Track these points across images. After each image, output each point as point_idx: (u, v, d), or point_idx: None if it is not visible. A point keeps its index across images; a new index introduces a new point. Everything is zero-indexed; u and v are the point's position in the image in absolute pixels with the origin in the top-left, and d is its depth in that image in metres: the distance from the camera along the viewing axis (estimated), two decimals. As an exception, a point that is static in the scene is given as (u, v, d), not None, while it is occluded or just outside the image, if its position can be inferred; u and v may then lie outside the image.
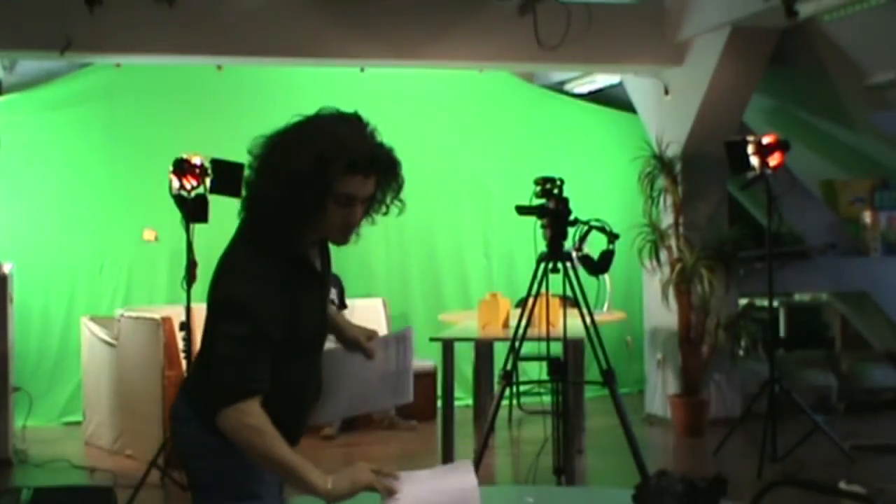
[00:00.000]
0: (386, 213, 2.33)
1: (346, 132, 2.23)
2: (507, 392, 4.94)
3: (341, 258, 7.76)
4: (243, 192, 2.31)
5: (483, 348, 6.37)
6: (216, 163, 5.39)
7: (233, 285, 2.23)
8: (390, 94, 8.04)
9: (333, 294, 7.51)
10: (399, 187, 2.29)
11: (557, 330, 4.69)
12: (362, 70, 7.32)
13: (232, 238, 2.32)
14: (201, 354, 2.41)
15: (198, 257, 5.40)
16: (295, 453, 2.17)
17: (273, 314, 2.20)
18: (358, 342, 2.53)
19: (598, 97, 8.71)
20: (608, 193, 8.12)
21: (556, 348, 4.62)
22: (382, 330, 7.62)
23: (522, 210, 4.43)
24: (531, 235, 4.50)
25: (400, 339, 2.50)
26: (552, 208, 4.40)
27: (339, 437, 6.81)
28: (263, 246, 2.22)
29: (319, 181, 2.15)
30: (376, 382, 2.50)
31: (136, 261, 7.59)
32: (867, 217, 7.82)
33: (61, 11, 5.77)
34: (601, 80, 8.34)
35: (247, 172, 2.30)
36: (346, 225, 2.25)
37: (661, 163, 7.03)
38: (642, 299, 7.67)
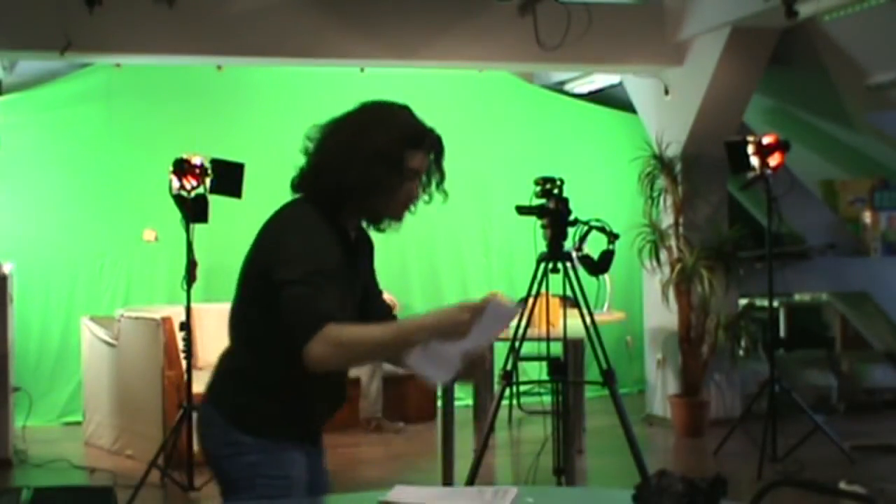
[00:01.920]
0: (429, 201, 2.45)
1: (407, 114, 2.42)
2: (507, 392, 4.94)
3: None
4: (305, 164, 2.43)
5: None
6: (216, 163, 5.39)
7: (284, 235, 2.32)
8: (390, 95, 7.95)
9: None
10: (443, 172, 2.44)
11: (557, 330, 4.69)
12: (362, 70, 7.32)
13: (278, 210, 2.42)
14: (230, 352, 2.44)
15: (198, 257, 5.41)
16: (384, 325, 2.25)
17: (329, 250, 2.29)
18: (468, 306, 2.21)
19: (598, 97, 8.71)
20: (608, 193, 8.12)
21: (556, 348, 4.62)
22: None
23: (522, 210, 4.43)
24: (531, 235, 4.50)
25: (505, 316, 2.26)
26: (552, 208, 4.40)
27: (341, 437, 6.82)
28: (321, 210, 2.35)
29: (395, 157, 2.32)
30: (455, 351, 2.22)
31: (136, 261, 7.59)
32: (867, 217, 7.82)
33: (61, 11, 5.76)
34: (601, 80, 8.34)
35: (307, 154, 2.45)
36: (409, 200, 2.40)
37: (661, 163, 7.03)
38: (642, 299, 7.67)
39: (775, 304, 6.19)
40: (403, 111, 2.42)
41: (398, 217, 2.43)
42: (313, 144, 2.43)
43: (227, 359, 2.44)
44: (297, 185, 2.44)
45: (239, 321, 2.40)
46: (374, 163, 2.31)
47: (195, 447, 5.37)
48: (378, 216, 2.43)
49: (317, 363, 2.15)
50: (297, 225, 2.33)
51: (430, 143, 2.39)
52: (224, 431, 2.34)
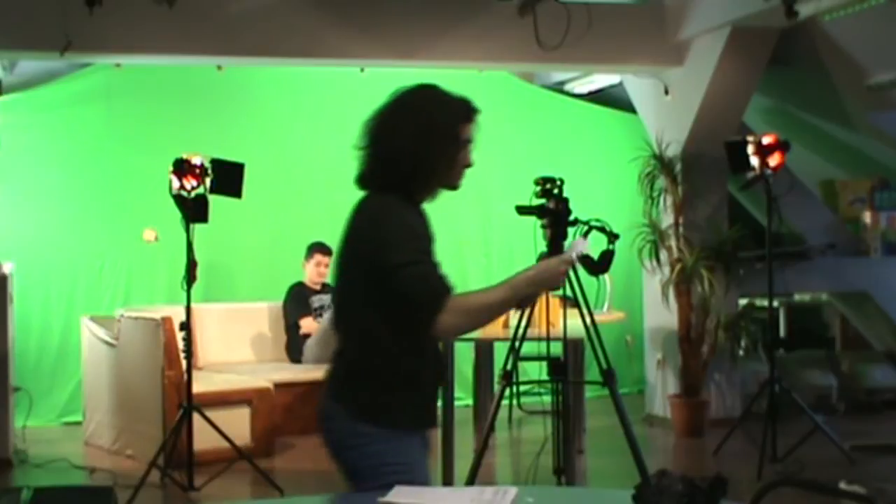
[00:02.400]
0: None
1: (444, 91, 2.56)
2: (507, 392, 4.94)
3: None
4: (369, 159, 2.52)
5: (483, 348, 6.37)
6: (216, 163, 5.39)
7: (382, 224, 2.44)
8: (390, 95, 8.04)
9: (329, 301, 7.53)
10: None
11: (557, 330, 4.69)
12: (362, 70, 7.32)
13: (359, 203, 2.53)
14: (345, 348, 2.52)
15: (198, 257, 5.41)
16: (495, 287, 2.46)
17: (423, 230, 2.48)
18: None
19: (598, 97, 8.71)
20: (608, 193, 8.12)
21: (556, 348, 4.62)
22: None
23: (522, 210, 4.42)
24: (531, 235, 4.50)
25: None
26: (552, 208, 4.39)
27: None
28: (400, 196, 2.49)
29: (456, 133, 2.50)
30: None
31: (136, 261, 7.60)
32: (867, 217, 7.82)
33: (61, 11, 5.76)
34: (601, 80, 8.34)
35: (369, 151, 2.52)
36: (466, 167, 2.57)
37: (661, 163, 7.02)
38: (642, 299, 7.67)
39: (775, 304, 6.19)
40: (440, 89, 2.57)
41: (458, 186, 2.61)
42: (373, 140, 2.52)
43: (342, 355, 2.53)
44: (366, 180, 2.53)
45: (352, 318, 2.50)
46: (444, 143, 2.49)
47: (195, 447, 5.38)
48: (442, 189, 2.59)
49: (449, 333, 2.42)
50: (389, 212, 2.45)
51: (475, 112, 2.56)
52: (348, 424, 2.44)
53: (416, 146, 2.46)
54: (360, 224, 2.49)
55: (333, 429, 2.49)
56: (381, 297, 2.39)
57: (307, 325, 7.38)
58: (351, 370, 2.49)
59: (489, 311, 2.47)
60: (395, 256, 2.37)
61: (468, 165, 2.57)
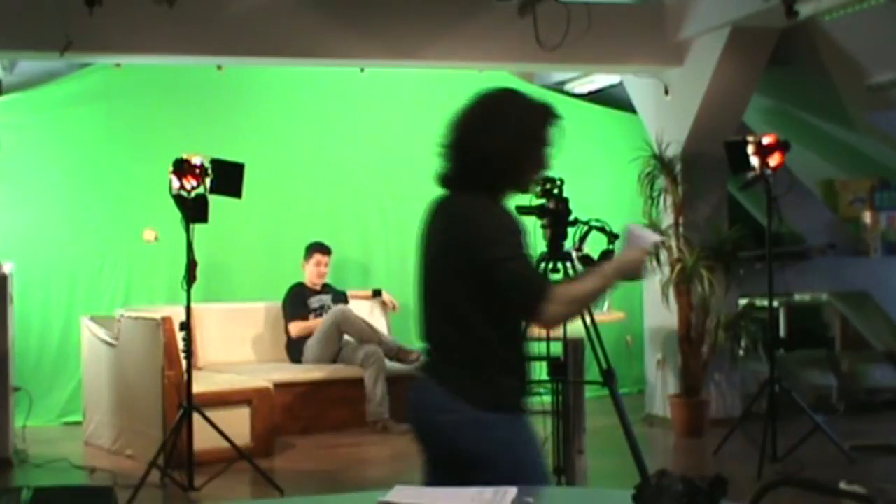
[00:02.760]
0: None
1: (526, 95, 2.70)
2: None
3: (342, 256, 7.80)
4: (456, 160, 2.62)
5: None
6: (216, 163, 5.39)
7: (480, 221, 2.55)
8: (390, 95, 8.04)
9: (329, 301, 7.53)
10: None
11: (557, 330, 4.69)
12: (362, 70, 7.32)
13: (445, 202, 2.65)
14: (452, 343, 2.59)
15: (198, 257, 5.41)
16: (588, 277, 2.62)
17: (518, 227, 2.58)
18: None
19: (598, 97, 8.71)
20: (608, 193, 8.12)
21: (556, 348, 4.62)
22: (383, 329, 7.63)
23: (522, 210, 4.40)
24: (531, 235, 4.50)
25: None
26: (552, 208, 4.40)
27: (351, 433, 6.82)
28: (494, 196, 2.61)
29: (541, 133, 2.66)
30: None
31: (136, 261, 7.60)
32: (867, 217, 7.82)
33: (61, 11, 5.76)
34: (601, 80, 8.34)
35: (458, 152, 2.62)
36: (545, 169, 2.74)
37: (661, 163, 7.03)
38: (642, 299, 7.67)
39: (775, 304, 6.19)
40: (522, 92, 2.71)
41: (532, 187, 2.86)
42: (462, 141, 2.60)
43: (450, 349, 2.60)
44: (451, 179, 2.63)
45: (456, 312, 2.56)
46: (532, 144, 2.64)
47: (195, 447, 5.38)
48: (525, 189, 2.75)
49: (554, 321, 2.59)
50: (484, 211, 2.56)
51: (557, 116, 2.73)
52: (466, 415, 2.51)
53: (509, 147, 2.57)
54: (455, 225, 2.58)
55: (447, 421, 2.54)
56: (483, 292, 2.49)
57: (296, 328, 7.39)
58: (463, 361, 2.57)
59: (588, 299, 2.64)
60: (495, 252, 2.48)
61: (547, 167, 2.72)
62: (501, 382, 2.56)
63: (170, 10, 5.92)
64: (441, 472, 2.57)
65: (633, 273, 2.68)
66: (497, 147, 2.56)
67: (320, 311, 7.45)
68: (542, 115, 2.66)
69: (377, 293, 7.84)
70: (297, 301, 7.45)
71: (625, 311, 7.05)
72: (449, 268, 2.56)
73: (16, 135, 7.34)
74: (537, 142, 2.65)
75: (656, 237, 2.86)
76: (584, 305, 2.70)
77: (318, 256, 7.48)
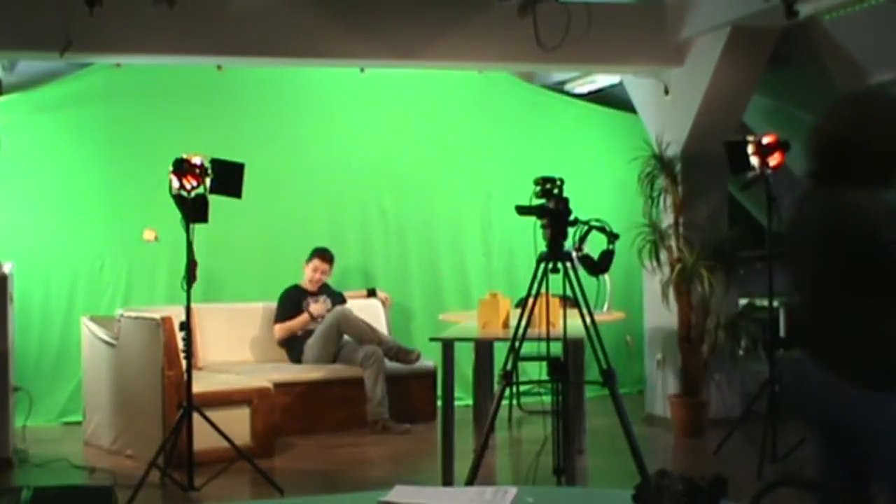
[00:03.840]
0: None
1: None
2: (507, 392, 4.94)
3: (343, 256, 7.80)
4: (838, 156, 2.76)
5: (483, 348, 6.37)
6: (216, 163, 5.39)
7: (873, 207, 2.66)
8: (390, 95, 8.05)
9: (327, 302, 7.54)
10: None
11: (557, 330, 4.69)
12: (362, 70, 7.32)
13: (824, 196, 2.77)
14: (842, 337, 2.72)
15: (198, 257, 5.41)
16: None
17: None
18: None
19: (598, 97, 8.71)
20: (608, 193, 8.12)
21: (556, 348, 4.62)
22: (383, 328, 7.64)
23: (522, 210, 4.43)
24: (531, 235, 4.51)
25: None
26: (552, 208, 4.40)
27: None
28: (871, 187, 2.72)
29: None
30: None
31: (136, 261, 7.60)
32: (867, 217, 7.81)
33: (61, 11, 5.75)
34: (601, 80, 8.34)
35: (829, 142, 2.80)
36: None
37: (661, 163, 7.03)
38: (642, 299, 7.68)
39: (775, 304, 6.19)
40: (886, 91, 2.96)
41: None
42: (844, 140, 2.77)
43: (838, 332, 2.73)
44: (830, 174, 2.76)
45: (842, 296, 2.69)
46: None
47: (195, 447, 5.38)
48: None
49: None
50: (871, 199, 2.67)
51: None
52: (856, 394, 2.61)
53: (891, 142, 2.75)
54: (842, 213, 2.69)
55: (842, 398, 2.64)
56: (867, 276, 2.61)
57: (279, 331, 7.41)
58: (863, 349, 2.67)
59: None
60: (886, 235, 2.59)
61: None
62: (888, 362, 2.64)
63: (170, 10, 5.91)
64: (830, 449, 2.72)
65: None
66: (886, 144, 2.74)
67: (320, 312, 7.48)
68: None
69: (371, 292, 7.86)
70: (289, 304, 7.46)
71: (625, 311, 7.06)
72: (829, 256, 2.71)
73: (16, 135, 7.34)
74: None
75: None
76: None
77: (316, 262, 7.50)
